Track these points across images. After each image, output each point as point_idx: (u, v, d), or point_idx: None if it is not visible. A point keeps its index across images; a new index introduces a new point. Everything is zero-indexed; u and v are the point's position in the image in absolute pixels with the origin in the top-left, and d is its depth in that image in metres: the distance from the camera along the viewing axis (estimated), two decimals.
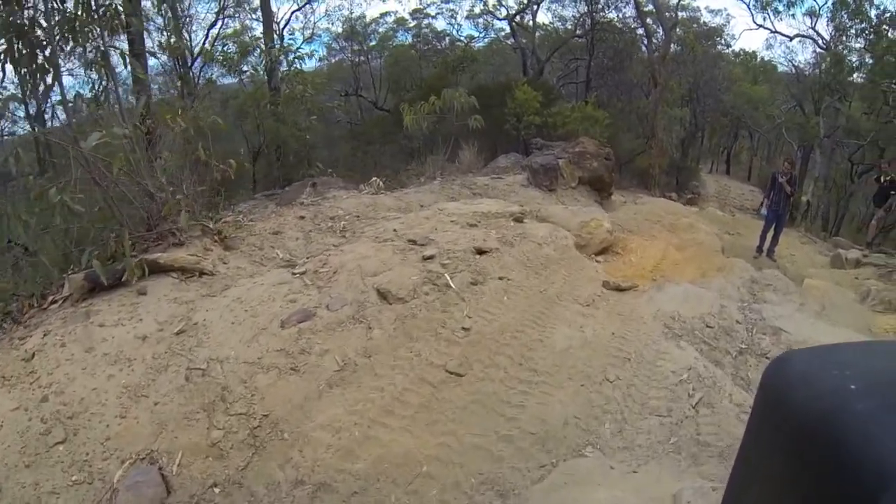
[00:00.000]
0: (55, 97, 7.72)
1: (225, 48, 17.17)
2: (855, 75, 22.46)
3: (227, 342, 6.05)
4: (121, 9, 7.60)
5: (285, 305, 6.54)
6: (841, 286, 12.14)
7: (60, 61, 7.51)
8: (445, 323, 6.01)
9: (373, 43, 26.40)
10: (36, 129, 10.65)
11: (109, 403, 5.09)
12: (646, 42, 22.20)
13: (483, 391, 5.02)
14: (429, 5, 26.23)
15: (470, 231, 8.34)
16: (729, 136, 33.33)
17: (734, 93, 27.83)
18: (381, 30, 25.94)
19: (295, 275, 7.32)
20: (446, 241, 7.80)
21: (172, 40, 11.85)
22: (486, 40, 27.19)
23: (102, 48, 7.71)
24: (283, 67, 17.90)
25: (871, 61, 21.66)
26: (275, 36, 21.34)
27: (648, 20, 21.81)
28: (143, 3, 20.64)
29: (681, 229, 13.03)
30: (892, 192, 14.78)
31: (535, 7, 24.42)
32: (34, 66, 6.93)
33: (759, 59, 32.44)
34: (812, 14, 23.05)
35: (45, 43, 6.97)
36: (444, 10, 26.29)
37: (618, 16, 23.43)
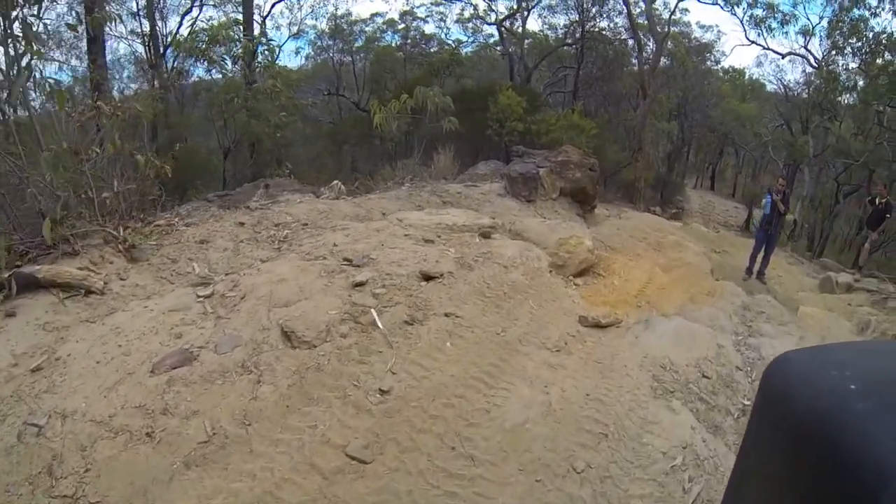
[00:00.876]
0: None
1: (195, 37, 15.44)
2: (846, 95, 21.06)
3: (81, 389, 4.43)
4: None
5: (168, 341, 4.91)
6: (834, 313, 10.68)
7: None
8: (359, 380, 4.36)
9: (359, 43, 24.78)
10: None
11: None
12: (636, 53, 20.63)
13: (392, 489, 3.36)
14: (418, 7, 24.69)
15: (423, 249, 6.71)
16: (714, 153, 31.99)
17: (722, 109, 26.51)
18: (367, 29, 24.29)
19: (198, 299, 5.66)
20: (389, 262, 6.17)
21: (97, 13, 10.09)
22: (474, 45, 25.58)
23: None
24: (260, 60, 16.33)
25: (862, 83, 20.26)
26: (256, 28, 19.72)
27: (640, 32, 20.24)
28: None
29: (667, 248, 11.46)
30: (888, 216, 13.36)
31: (526, 13, 22.84)
32: None
33: (747, 77, 31.29)
34: (805, 33, 21.60)
35: None
36: (433, 12, 24.71)
37: (609, 25, 21.94)
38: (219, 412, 3.91)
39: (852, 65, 20.35)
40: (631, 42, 21.47)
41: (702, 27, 26.75)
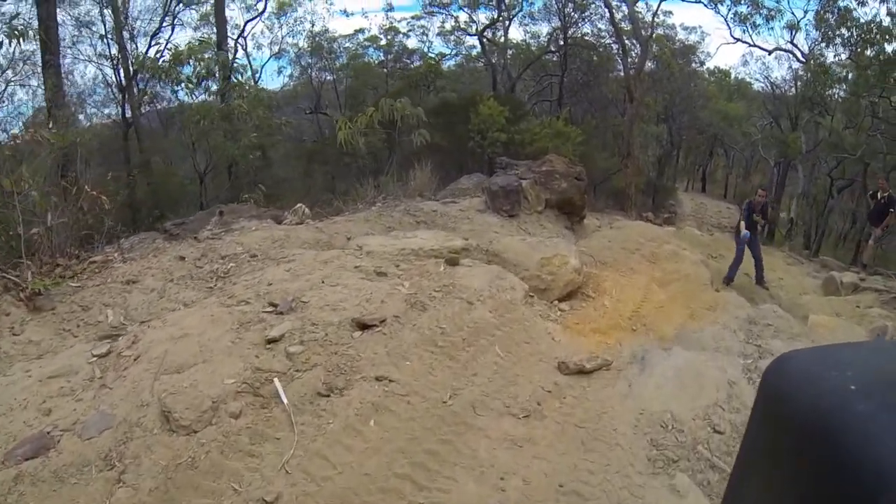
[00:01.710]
0: None
1: (159, 57, 14.32)
2: (836, 88, 19.85)
3: None
4: None
5: (34, 419, 3.72)
6: (843, 316, 9.74)
7: None
8: (242, 481, 3.19)
9: (342, 61, 23.61)
10: None
11: None
12: (621, 57, 19.44)
13: None
14: (399, 21, 23.55)
15: (370, 286, 5.51)
16: (704, 154, 30.81)
17: (710, 110, 25.31)
18: (347, 45, 23.11)
19: (91, 359, 4.46)
20: (322, 306, 5.00)
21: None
22: (457, 58, 24.41)
23: None
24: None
25: (851, 75, 19.05)
26: (230, 47, 18.59)
27: (623, 35, 19.06)
28: (84, 8, 18.32)
29: (663, 259, 10.18)
30: (891, 210, 12.17)
31: (507, 23, 21.67)
32: None
33: (733, 77, 30.10)
34: (791, 27, 20.37)
35: None
36: (415, 26, 23.52)
37: (592, 30, 20.76)
38: None
39: (842, 56, 19.17)
40: (615, 46, 20.32)
41: (685, 29, 25.45)
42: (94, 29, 16.90)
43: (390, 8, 23.39)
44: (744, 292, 10.47)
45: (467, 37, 22.89)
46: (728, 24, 21.41)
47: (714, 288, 9.77)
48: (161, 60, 14.19)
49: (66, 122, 10.16)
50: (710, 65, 28.62)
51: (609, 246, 10.36)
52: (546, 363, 4.72)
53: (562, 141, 14.62)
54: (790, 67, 23.71)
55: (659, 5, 20.52)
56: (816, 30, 18.79)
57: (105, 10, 16.62)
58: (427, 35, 23.86)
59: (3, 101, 13.58)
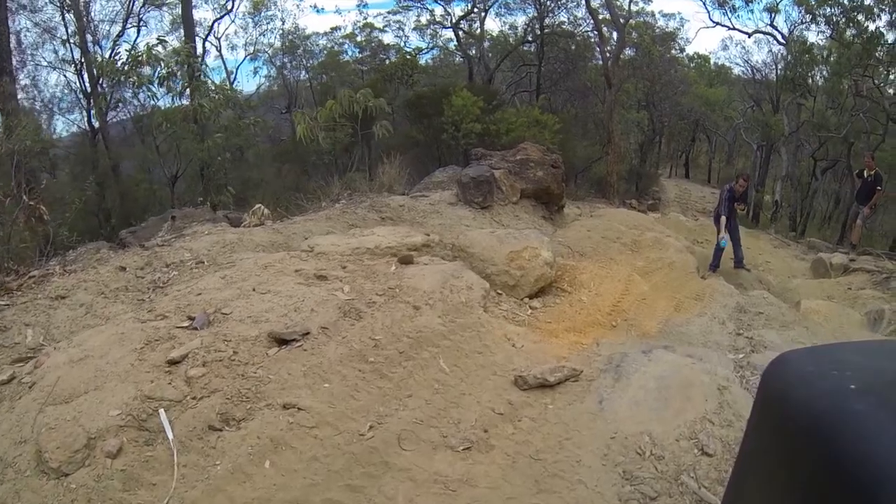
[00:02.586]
0: None
1: (114, 60, 13.34)
2: (818, 69, 19.02)
3: None
4: None
5: None
6: (835, 299, 9.06)
7: None
8: None
9: (321, 59, 22.65)
10: None
11: None
12: (599, 44, 18.51)
13: None
14: (375, 16, 22.62)
15: (305, 292, 4.66)
16: (687, 140, 29.94)
17: (691, 95, 24.40)
18: (321, 42, 22.17)
19: None
20: (243, 318, 4.14)
21: None
22: (435, 52, 23.46)
23: None
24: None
25: (833, 55, 18.21)
26: (197, 48, 17.64)
27: (600, 21, 18.15)
28: (47, 14, 17.38)
29: (646, 247, 9.33)
30: (879, 188, 11.40)
31: (483, 13, 20.70)
32: None
33: (713, 63, 29.31)
34: (771, 10, 19.53)
35: None
36: (390, 21, 22.57)
37: (569, 18, 19.81)
38: None
39: (824, 33, 18.34)
40: (593, 34, 19.41)
41: (665, 16, 24.60)
42: (56, 34, 15.96)
43: (364, 4, 22.53)
44: (731, 279, 9.69)
45: (443, 30, 21.98)
46: (707, 8, 20.70)
47: (700, 275, 8.93)
48: (119, 63, 13.22)
49: (22, 131, 9.28)
50: (689, 50, 27.94)
51: (588, 235, 9.50)
52: (501, 377, 3.86)
53: (539, 129, 13.73)
54: (770, 51, 23.06)
55: None
56: (797, 6, 17.89)
57: (67, 15, 15.68)
58: (403, 30, 23.02)
59: None
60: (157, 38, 12.82)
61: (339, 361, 3.81)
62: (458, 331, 4.31)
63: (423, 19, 22.21)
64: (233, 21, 20.70)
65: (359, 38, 23.32)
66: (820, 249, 14.37)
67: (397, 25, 22.67)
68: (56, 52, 16.04)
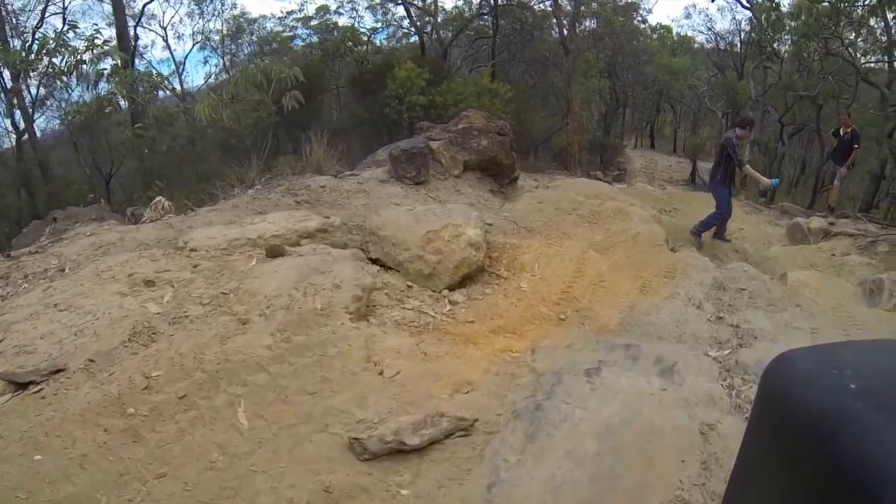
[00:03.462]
0: None
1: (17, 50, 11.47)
2: (790, 24, 17.52)
3: None
4: None
5: None
6: (819, 267, 7.87)
7: None
8: None
9: (273, 45, 20.71)
10: None
11: None
12: (555, 12, 16.77)
13: None
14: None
15: (112, 304, 3.20)
16: (651, 110, 28.53)
17: (654, 65, 22.91)
18: (269, 25, 20.20)
19: None
20: (7, 348, 2.42)
21: None
22: (389, 30, 21.50)
23: None
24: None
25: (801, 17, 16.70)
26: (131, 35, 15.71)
27: None
28: None
29: (606, 218, 7.66)
30: (856, 146, 10.11)
31: None
32: None
33: (675, 34, 27.91)
34: None
35: None
36: (343, 2, 20.54)
37: None
38: None
39: None
40: (548, 2, 17.69)
41: None
42: None
43: None
44: (704, 250, 8.18)
45: (396, 6, 20.04)
46: None
47: (670, 247, 7.29)
48: (24, 54, 11.32)
49: None
50: (652, 21, 26.60)
51: (539, 208, 7.82)
52: (332, 436, 2.23)
53: (490, 98, 12.03)
54: (734, 18, 21.76)
55: None
56: None
57: None
58: (357, 10, 21.08)
59: None
60: (68, 24, 10.96)
61: (79, 416, 2.21)
62: (290, 355, 2.69)
63: None
64: (176, 11, 18.76)
65: (313, 22, 21.40)
66: (794, 214, 13.30)
67: (350, 6, 20.75)
68: None
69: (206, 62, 21.05)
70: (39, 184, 14.34)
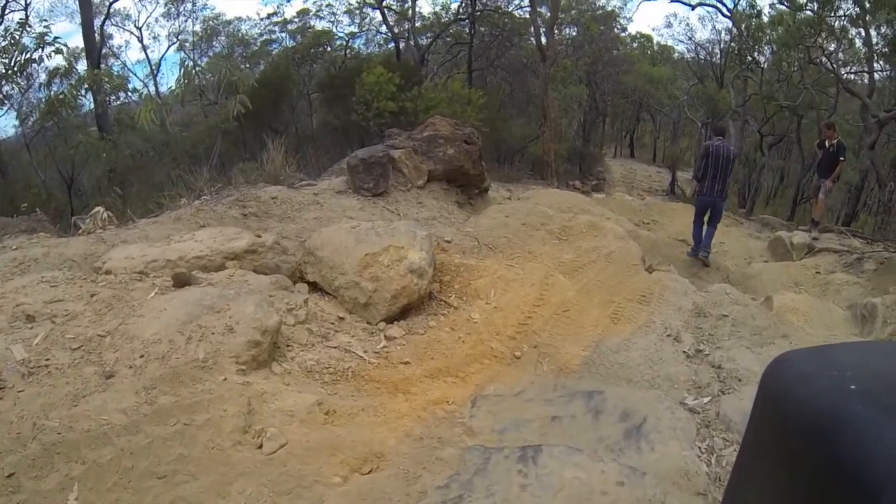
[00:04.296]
0: None
1: None
2: (765, 40, 17.18)
3: None
4: None
5: None
6: (803, 286, 7.42)
7: None
8: None
9: (254, 49, 20.00)
10: None
11: None
12: (533, 18, 16.23)
13: None
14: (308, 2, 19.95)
15: None
16: (631, 119, 28.15)
17: (634, 74, 22.48)
18: (244, 28, 19.47)
19: None
20: None
21: None
22: (366, 35, 20.83)
23: None
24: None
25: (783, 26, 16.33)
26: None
27: None
28: None
29: (577, 234, 7.01)
30: (841, 159, 9.47)
31: None
32: None
33: (655, 43, 27.54)
34: None
35: None
36: (322, 6, 19.85)
37: None
38: None
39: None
40: (526, 9, 17.14)
41: None
42: None
43: None
44: (685, 268, 7.65)
45: (373, 11, 19.40)
46: None
47: (646, 267, 6.63)
48: None
49: None
50: (632, 29, 26.21)
51: (505, 223, 7.14)
52: None
53: (461, 105, 11.40)
54: (714, 28, 21.44)
55: None
56: None
57: None
58: (336, 15, 20.41)
59: None
60: (18, 22, 10.19)
61: None
62: (148, 423, 2.04)
63: (354, 1, 19.68)
64: (150, 13, 17.99)
65: (291, 27, 20.70)
66: (774, 227, 12.87)
67: (329, 10, 20.07)
68: None
69: (182, 65, 20.15)
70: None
